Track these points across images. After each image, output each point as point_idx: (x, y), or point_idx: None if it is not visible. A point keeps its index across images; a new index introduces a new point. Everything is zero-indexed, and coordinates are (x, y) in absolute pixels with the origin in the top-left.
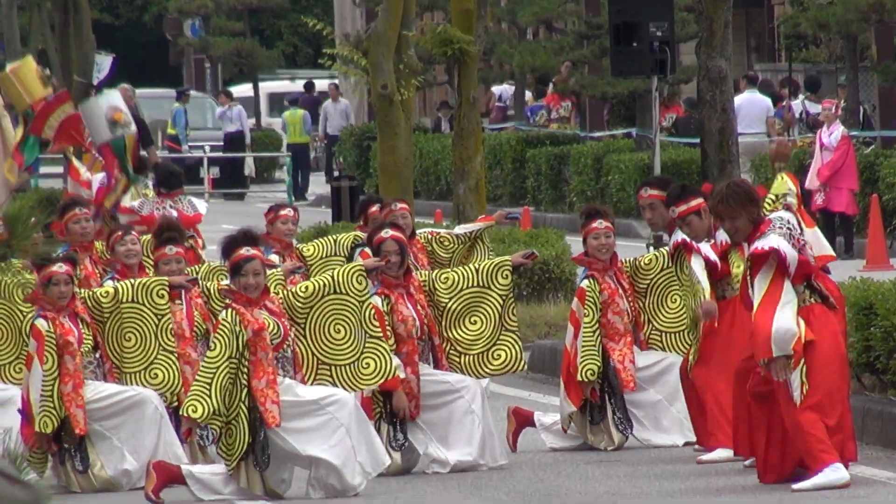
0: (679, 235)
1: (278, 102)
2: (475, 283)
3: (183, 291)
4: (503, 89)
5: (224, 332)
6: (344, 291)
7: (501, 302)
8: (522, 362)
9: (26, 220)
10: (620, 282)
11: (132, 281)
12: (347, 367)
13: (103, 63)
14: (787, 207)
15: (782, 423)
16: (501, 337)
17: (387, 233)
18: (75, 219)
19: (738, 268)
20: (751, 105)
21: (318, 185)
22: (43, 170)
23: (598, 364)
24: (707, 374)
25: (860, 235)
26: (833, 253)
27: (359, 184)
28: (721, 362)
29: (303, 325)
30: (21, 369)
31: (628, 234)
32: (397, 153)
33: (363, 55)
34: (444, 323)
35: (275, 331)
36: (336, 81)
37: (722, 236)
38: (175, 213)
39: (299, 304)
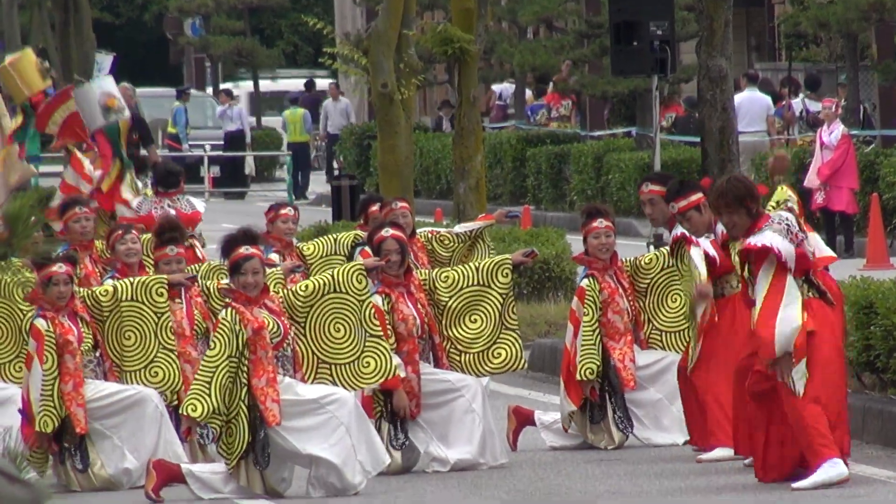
0: (679, 230)
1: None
2: (475, 282)
3: (183, 290)
4: (503, 88)
5: (224, 330)
6: (344, 290)
7: (501, 300)
8: (523, 361)
9: (27, 218)
10: (620, 281)
11: (131, 279)
12: (347, 366)
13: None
14: (789, 210)
15: (781, 422)
16: (502, 335)
17: (387, 232)
18: (75, 218)
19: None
20: (751, 103)
21: (319, 184)
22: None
23: (598, 363)
24: (707, 374)
25: (860, 234)
26: (833, 254)
27: (359, 183)
28: (722, 362)
29: (303, 324)
30: (21, 368)
31: (628, 232)
32: (398, 152)
33: (363, 54)
34: (444, 321)
35: (274, 329)
36: (307, 81)
37: (721, 230)
38: (173, 213)
39: (299, 303)
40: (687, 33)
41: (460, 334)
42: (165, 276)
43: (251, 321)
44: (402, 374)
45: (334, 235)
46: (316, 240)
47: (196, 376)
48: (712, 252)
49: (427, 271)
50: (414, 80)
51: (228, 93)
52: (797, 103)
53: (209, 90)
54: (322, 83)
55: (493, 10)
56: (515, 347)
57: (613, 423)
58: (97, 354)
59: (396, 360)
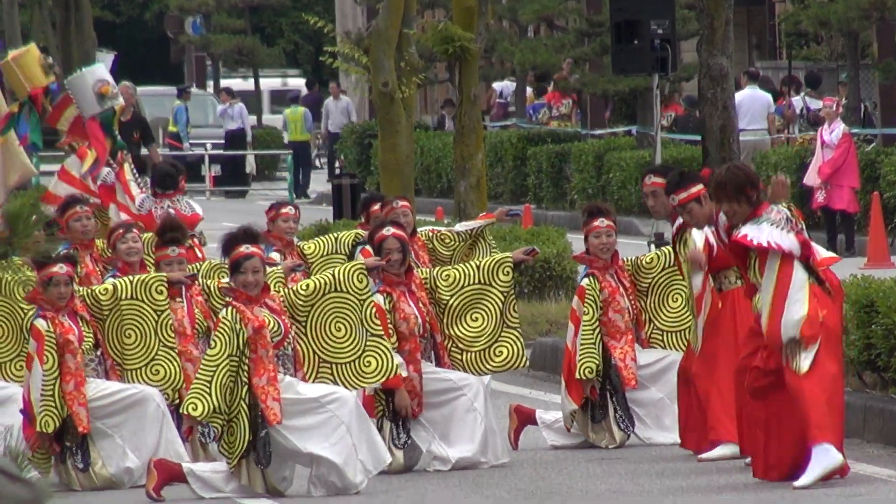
0: (681, 222)
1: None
2: (476, 280)
3: (184, 289)
4: (504, 86)
5: (224, 330)
6: (344, 290)
7: (503, 299)
8: (524, 359)
9: (27, 217)
10: (621, 280)
11: (131, 278)
12: (348, 365)
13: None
14: (788, 209)
15: (780, 420)
16: (503, 334)
17: (388, 231)
18: (76, 216)
19: None
20: (752, 101)
21: (320, 182)
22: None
23: (597, 362)
24: (710, 372)
25: (861, 233)
26: (836, 255)
27: (360, 181)
28: (723, 360)
29: (303, 324)
30: (22, 367)
31: (629, 231)
32: (398, 151)
33: (364, 53)
34: (445, 320)
35: (275, 328)
36: (307, 81)
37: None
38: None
39: (300, 303)
40: (688, 32)
41: (461, 333)
42: (165, 275)
43: (252, 320)
44: (404, 374)
45: (335, 234)
46: (317, 239)
47: (197, 375)
48: (713, 240)
49: (428, 270)
50: (415, 78)
51: (229, 91)
52: (797, 101)
53: (210, 88)
54: (272, 83)
55: (494, 8)
56: (517, 346)
57: (615, 422)
58: (98, 353)
59: (398, 359)
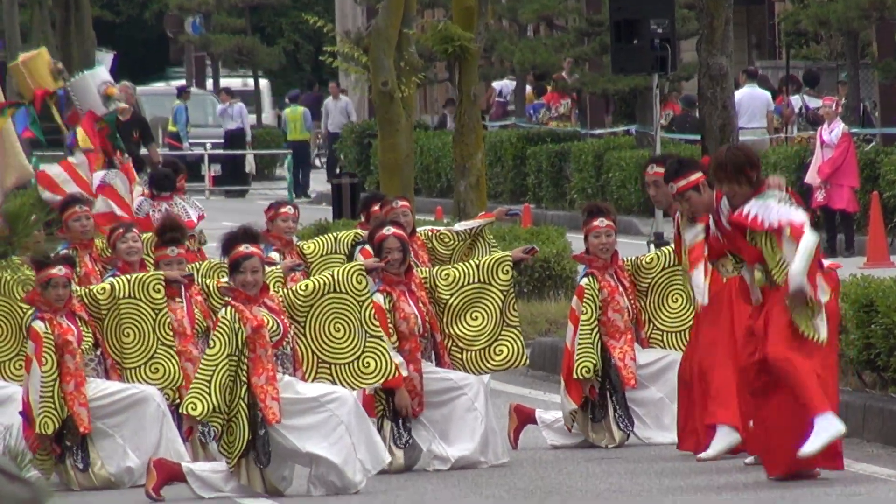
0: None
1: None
2: (476, 279)
3: (183, 289)
4: (503, 85)
5: (223, 329)
6: (344, 291)
7: (502, 297)
8: (524, 358)
9: (27, 217)
10: (621, 280)
11: (128, 277)
12: (347, 365)
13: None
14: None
15: (783, 416)
16: (503, 333)
17: (388, 230)
18: (75, 216)
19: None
20: (751, 99)
21: (319, 182)
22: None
23: (594, 361)
24: (711, 357)
25: (861, 233)
26: (835, 262)
27: (359, 181)
28: (723, 348)
29: (303, 324)
30: (21, 366)
31: (629, 231)
32: (398, 150)
33: (364, 52)
34: (445, 319)
35: (274, 328)
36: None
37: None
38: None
39: (299, 303)
40: (687, 31)
41: (461, 332)
42: (162, 273)
43: (250, 319)
44: (405, 373)
45: (334, 234)
46: (316, 238)
47: (196, 375)
48: (713, 229)
49: (427, 269)
50: (414, 78)
51: (229, 91)
52: (796, 100)
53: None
54: (234, 83)
55: (494, 7)
56: (517, 344)
57: (614, 421)
58: (98, 353)
59: (398, 358)
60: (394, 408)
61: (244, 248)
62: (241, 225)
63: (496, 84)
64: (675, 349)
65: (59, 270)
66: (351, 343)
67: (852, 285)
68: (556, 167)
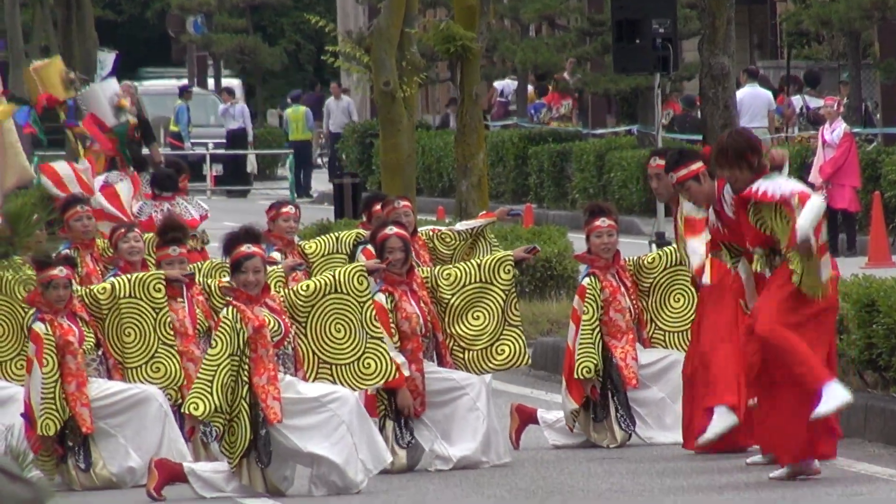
0: None
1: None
2: (477, 279)
3: (185, 289)
4: (505, 84)
5: (225, 329)
6: (345, 291)
7: (504, 297)
8: (526, 357)
9: (28, 217)
10: (622, 279)
11: (129, 276)
12: (348, 366)
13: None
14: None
15: (790, 407)
16: (505, 332)
17: (391, 230)
18: (77, 216)
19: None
20: (753, 99)
21: (321, 182)
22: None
23: (595, 361)
24: (712, 341)
25: (862, 233)
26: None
27: (361, 181)
28: (726, 331)
29: (304, 324)
30: (22, 366)
31: (630, 231)
32: (400, 150)
33: (366, 52)
34: (447, 319)
35: (275, 328)
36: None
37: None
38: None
39: (300, 303)
40: (689, 31)
41: (463, 331)
42: (163, 272)
43: (252, 319)
44: (407, 373)
45: (336, 234)
46: (318, 238)
47: (198, 375)
48: (713, 219)
49: (429, 269)
50: (416, 77)
51: (230, 91)
52: (797, 100)
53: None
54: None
55: (496, 7)
56: (519, 344)
57: (616, 421)
58: (100, 353)
59: (400, 358)
60: (396, 408)
61: (246, 248)
62: (242, 225)
63: (498, 84)
64: (678, 349)
65: (59, 271)
66: (351, 344)
67: (854, 285)
68: (557, 167)
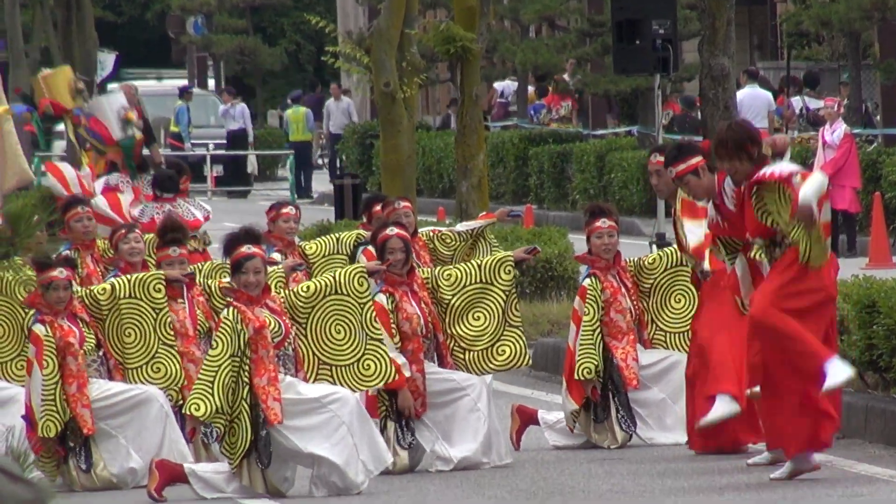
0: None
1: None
2: (478, 279)
3: (185, 290)
4: (505, 85)
5: (226, 330)
6: (345, 293)
7: (504, 297)
8: (527, 357)
9: (29, 218)
10: (623, 280)
11: (128, 277)
12: (348, 367)
13: (106, 61)
14: None
15: (792, 398)
16: (505, 333)
17: (392, 231)
18: (77, 217)
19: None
20: (752, 100)
21: (321, 182)
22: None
23: (596, 362)
24: (711, 332)
25: (863, 233)
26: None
27: (361, 182)
28: (725, 322)
29: (304, 325)
30: (22, 366)
31: (631, 232)
32: (400, 151)
33: (366, 53)
34: (447, 319)
35: (276, 329)
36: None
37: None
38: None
39: (300, 304)
40: (689, 32)
41: (464, 332)
42: (162, 273)
43: (252, 320)
44: (407, 374)
45: (337, 235)
46: (318, 239)
47: (199, 376)
48: (713, 214)
49: (429, 270)
50: (416, 78)
51: (231, 91)
52: (797, 101)
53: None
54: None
55: (496, 8)
56: (519, 344)
57: (616, 422)
58: (101, 354)
59: (401, 359)
60: (397, 408)
61: (246, 249)
62: (242, 226)
63: (497, 85)
64: (679, 350)
65: (59, 273)
66: (351, 345)
67: (854, 286)
68: (558, 168)
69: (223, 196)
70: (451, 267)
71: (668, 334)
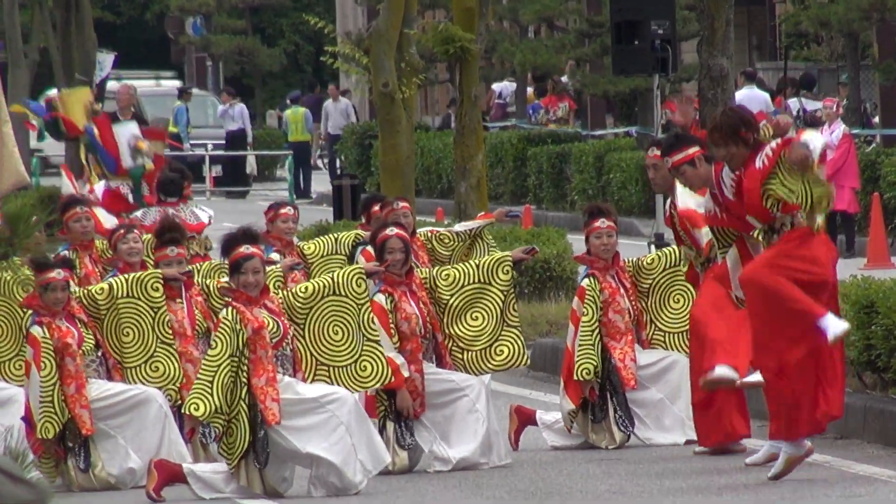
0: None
1: None
2: (476, 279)
3: (183, 290)
4: (503, 86)
5: (225, 330)
6: (343, 294)
7: (502, 298)
8: (525, 357)
9: (28, 218)
10: (622, 281)
11: (126, 276)
12: (345, 368)
13: (105, 61)
14: None
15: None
16: (503, 333)
17: (391, 231)
18: (76, 217)
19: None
20: (750, 101)
21: (320, 183)
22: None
23: (595, 363)
24: (706, 311)
25: (861, 234)
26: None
27: (360, 182)
28: (722, 301)
29: (302, 326)
30: (21, 366)
31: (630, 232)
32: (399, 151)
33: (365, 53)
34: (445, 319)
35: (274, 329)
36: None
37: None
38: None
39: (299, 305)
40: (688, 32)
41: (462, 332)
42: (160, 271)
43: (251, 321)
44: (406, 374)
45: (335, 235)
46: (317, 239)
47: (198, 375)
48: (711, 206)
49: (428, 270)
50: (415, 79)
51: (230, 92)
52: (794, 103)
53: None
54: (171, 84)
55: (495, 9)
56: (517, 344)
57: (614, 422)
58: (100, 354)
59: (400, 359)
60: (396, 409)
61: (244, 249)
62: (241, 226)
63: (496, 86)
64: (678, 350)
65: (57, 274)
66: (349, 346)
67: (853, 286)
68: (556, 168)
69: (222, 196)
70: (449, 267)
71: (667, 334)
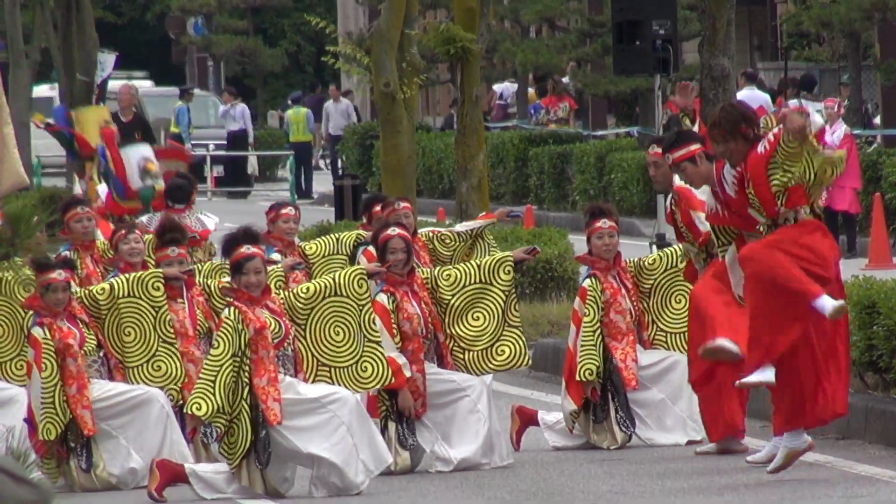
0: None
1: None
2: (477, 280)
3: (185, 290)
4: (504, 87)
5: (227, 330)
6: (344, 294)
7: (504, 298)
8: (526, 357)
9: (29, 218)
10: (623, 281)
11: (127, 276)
12: (346, 369)
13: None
14: None
15: (804, 374)
16: (505, 333)
17: (393, 231)
18: (77, 217)
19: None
20: (751, 102)
21: (321, 183)
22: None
23: (597, 364)
24: (705, 292)
25: (863, 234)
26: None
27: (361, 182)
28: (721, 286)
29: (303, 326)
30: (22, 366)
31: (631, 232)
32: (400, 152)
33: (366, 53)
34: (446, 319)
35: (276, 329)
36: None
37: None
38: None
39: (300, 305)
40: (689, 32)
41: (463, 332)
42: (161, 271)
43: (253, 321)
44: (408, 374)
45: (336, 235)
46: (318, 239)
47: (200, 375)
48: (712, 204)
49: (429, 270)
50: (416, 79)
51: (231, 92)
52: (793, 104)
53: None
54: (143, 84)
55: (496, 9)
56: (519, 344)
57: (616, 423)
58: (101, 354)
59: (402, 359)
60: (397, 409)
61: (245, 249)
62: (241, 226)
63: (496, 87)
64: (679, 350)
65: (58, 274)
66: (350, 347)
67: (854, 287)
68: (558, 169)
69: (223, 197)
70: (450, 267)
71: (668, 335)
